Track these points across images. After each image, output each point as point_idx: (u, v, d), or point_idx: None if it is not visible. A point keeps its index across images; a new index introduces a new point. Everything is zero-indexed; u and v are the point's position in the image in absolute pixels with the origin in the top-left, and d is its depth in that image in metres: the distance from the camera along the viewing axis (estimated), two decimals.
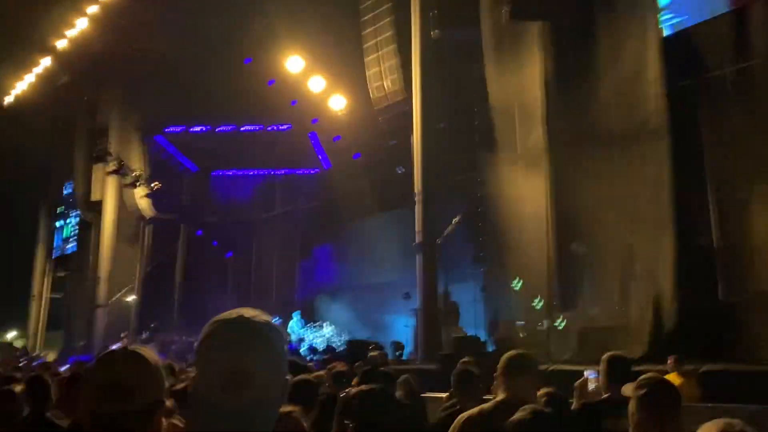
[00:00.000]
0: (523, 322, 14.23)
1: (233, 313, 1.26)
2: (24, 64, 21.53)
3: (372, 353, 8.71)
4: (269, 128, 19.98)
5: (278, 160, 24.53)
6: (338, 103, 17.48)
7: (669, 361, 8.06)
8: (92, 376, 1.50)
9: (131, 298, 22.88)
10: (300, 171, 22.18)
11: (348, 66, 17.87)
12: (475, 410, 2.61)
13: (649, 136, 11.65)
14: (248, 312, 1.26)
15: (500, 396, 2.63)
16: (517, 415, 1.90)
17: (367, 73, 15.82)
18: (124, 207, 21.96)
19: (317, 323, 19.22)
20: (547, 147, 12.74)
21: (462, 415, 2.65)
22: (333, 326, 19.25)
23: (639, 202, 13.22)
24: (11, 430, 3.30)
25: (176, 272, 25.02)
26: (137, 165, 21.29)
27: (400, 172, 14.99)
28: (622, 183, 13.33)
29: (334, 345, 15.72)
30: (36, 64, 21.14)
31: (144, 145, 20.62)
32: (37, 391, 3.50)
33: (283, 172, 23.25)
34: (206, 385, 1.19)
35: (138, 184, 20.78)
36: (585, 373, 3.88)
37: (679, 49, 12.96)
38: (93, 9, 18.43)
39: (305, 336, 17.70)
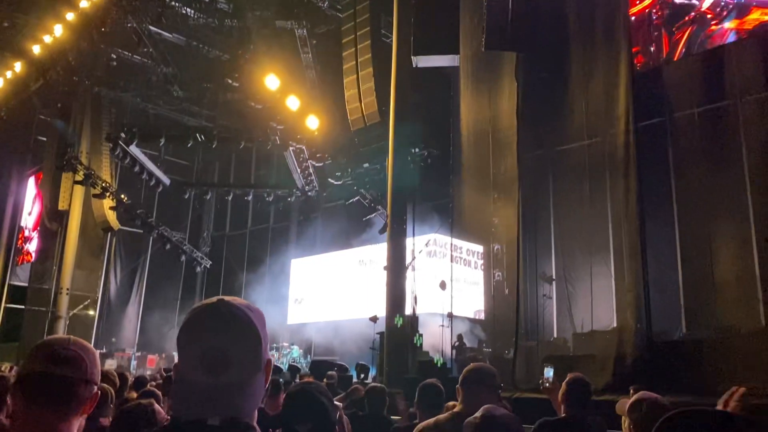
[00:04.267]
0: (490, 350, 14.25)
1: (214, 298, 1.30)
2: None
3: (331, 372, 8.61)
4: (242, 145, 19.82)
5: (252, 177, 24.46)
6: (314, 123, 17.50)
7: (631, 392, 8.07)
8: (40, 348, 1.54)
9: (92, 311, 22.35)
10: (274, 190, 22.05)
11: (324, 87, 18.00)
12: (431, 421, 2.57)
13: (617, 170, 11.85)
14: (228, 297, 1.31)
15: (457, 408, 2.59)
16: (469, 419, 1.88)
17: (345, 95, 15.91)
18: (89, 218, 21.55)
19: (284, 345, 19.01)
20: (519, 176, 12.86)
21: (418, 426, 2.62)
22: (298, 347, 19.06)
23: (606, 234, 13.43)
24: None
25: (140, 286, 24.58)
26: (107, 175, 20.96)
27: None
28: (590, 214, 13.53)
29: (297, 365, 15.47)
30: (9, 67, 20.80)
31: (114, 155, 20.31)
32: None
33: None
34: (188, 367, 1.23)
35: (107, 194, 20.43)
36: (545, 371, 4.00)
37: (650, 87, 13.30)
38: (71, 16, 18.24)
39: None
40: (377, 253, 16.24)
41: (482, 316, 16.39)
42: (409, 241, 14.01)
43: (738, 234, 12.20)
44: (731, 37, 13.22)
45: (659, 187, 13.37)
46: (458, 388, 2.67)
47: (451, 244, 15.79)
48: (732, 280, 11.92)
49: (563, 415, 3.45)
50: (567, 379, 3.65)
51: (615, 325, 12.18)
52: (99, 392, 1.58)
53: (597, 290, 13.44)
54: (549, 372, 4.18)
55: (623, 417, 2.82)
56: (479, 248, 17.08)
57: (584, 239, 14.11)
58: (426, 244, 15.36)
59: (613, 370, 9.89)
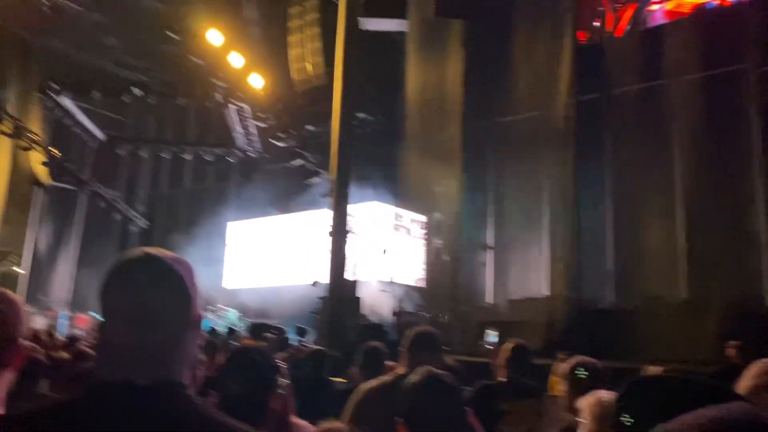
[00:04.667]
0: (428, 315, 14.53)
1: (138, 251, 1.22)
2: None
3: (268, 334, 8.62)
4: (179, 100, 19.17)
5: (190, 135, 23.79)
6: (257, 82, 17.09)
7: (560, 357, 8.41)
8: None
9: (20, 268, 21.48)
10: (214, 149, 21.51)
11: (269, 45, 17.54)
12: (374, 382, 2.63)
13: (556, 142, 12.15)
14: (153, 250, 1.23)
15: (402, 370, 2.65)
16: (410, 378, 1.94)
17: (288, 54, 15.58)
18: (18, 171, 20.53)
19: (220, 307, 18.79)
20: (462, 145, 13.01)
21: (363, 385, 2.68)
22: (236, 311, 18.88)
23: (542, 205, 13.82)
24: None
25: (72, 244, 23.75)
26: (36, 128, 19.94)
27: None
28: (528, 184, 13.87)
29: (235, 327, 15.37)
30: None
31: (44, 107, 19.32)
32: None
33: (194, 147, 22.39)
34: (112, 324, 1.15)
35: (36, 148, 19.46)
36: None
37: (592, 63, 13.60)
38: None
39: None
40: (319, 218, 16.18)
41: (422, 284, 16.69)
42: (351, 208, 14.01)
43: (666, 209, 12.75)
44: (670, 18, 13.61)
45: (595, 161, 13.79)
46: (403, 350, 2.74)
47: (394, 212, 15.90)
48: (659, 252, 12.49)
49: (504, 378, 3.58)
50: (511, 345, 3.78)
51: (547, 292, 12.64)
52: (26, 350, 1.50)
53: (531, 259, 13.88)
54: (493, 337, 4.37)
55: (557, 379, 2.95)
56: (421, 217, 17.29)
57: (521, 209, 14.49)
58: (369, 211, 15.40)
59: (544, 336, 10.27)
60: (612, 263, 13.68)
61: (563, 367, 3.06)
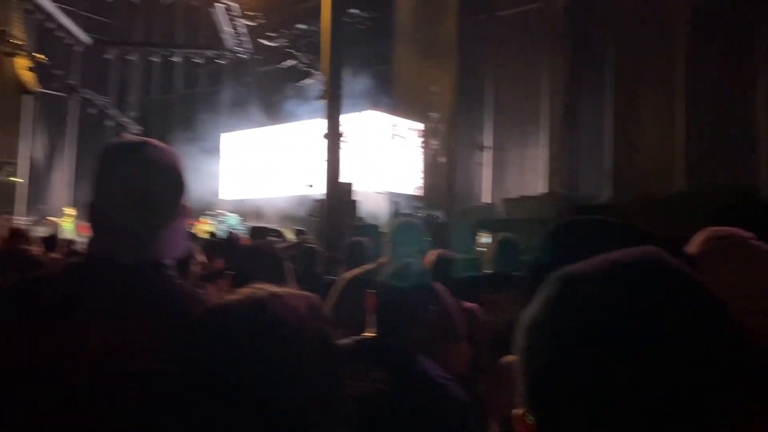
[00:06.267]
0: (423, 215, 14.63)
1: (136, 138, 1.30)
2: None
3: (270, 238, 8.71)
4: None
5: (179, 37, 23.09)
6: None
7: None
8: None
9: (17, 178, 21.47)
10: (204, 51, 20.87)
11: None
12: (358, 270, 2.68)
13: (554, 37, 11.81)
14: (149, 139, 1.29)
15: (385, 259, 2.69)
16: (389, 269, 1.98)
17: None
18: (1, 79, 20.04)
19: (220, 212, 18.89)
20: (459, 41, 12.62)
21: (347, 273, 2.73)
22: (236, 215, 18.98)
23: (540, 102, 13.57)
24: None
25: (67, 152, 23.63)
26: (18, 32, 19.29)
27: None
28: (526, 81, 13.56)
29: (236, 232, 15.53)
30: None
31: (24, 9, 18.57)
32: None
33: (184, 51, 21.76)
34: (104, 205, 1.22)
35: (19, 53, 18.89)
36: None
37: None
38: None
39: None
40: (313, 127, 15.95)
41: (420, 193, 16.62)
42: (346, 117, 13.73)
43: (665, 104, 12.51)
44: None
45: (595, 56, 13.40)
46: (385, 240, 2.76)
47: (391, 121, 15.59)
48: (656, 149, 12.38)
49: (490, 271, 3.64)
50: (498, 238, 3.81)
51: (543, 191, 12.67)
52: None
53: (528, 158, 13.80)
54: (486, 239, 4.41)
55: None
56: (419, 125, 16.92)
57: (518, 106, 14.24)
58: (364, 121, 15.13)
59: (538, 233, 10.36)
60: (609, 161, 13.60)
61: None
